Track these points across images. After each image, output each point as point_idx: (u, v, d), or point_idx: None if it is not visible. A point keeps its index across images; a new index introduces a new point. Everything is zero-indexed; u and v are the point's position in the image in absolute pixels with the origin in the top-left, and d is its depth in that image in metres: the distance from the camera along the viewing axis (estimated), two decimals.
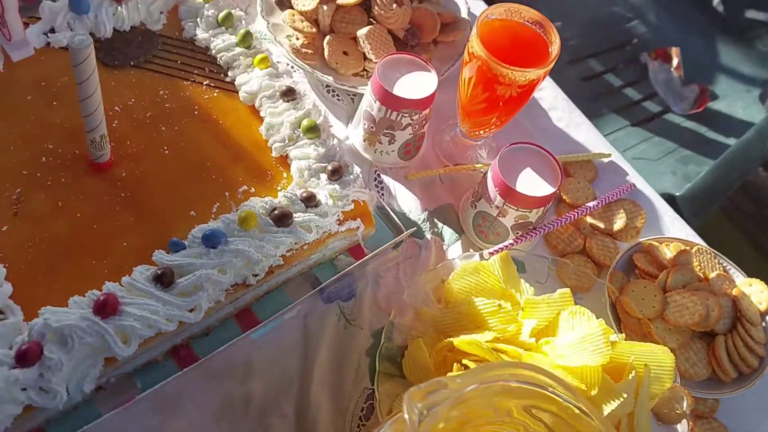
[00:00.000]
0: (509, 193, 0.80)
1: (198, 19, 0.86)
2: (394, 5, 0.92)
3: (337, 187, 0.77)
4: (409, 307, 0.76)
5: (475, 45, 0.79)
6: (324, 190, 0.76)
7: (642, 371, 0.68)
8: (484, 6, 1.08)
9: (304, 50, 0.92)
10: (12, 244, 0.68)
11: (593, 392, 0.64)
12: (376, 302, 0.81)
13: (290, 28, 0.93)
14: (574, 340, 0.67)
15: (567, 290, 0.74)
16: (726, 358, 0.81)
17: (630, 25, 1.65)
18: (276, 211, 0.72)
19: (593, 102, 1.47)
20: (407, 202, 0.88)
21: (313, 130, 0.79)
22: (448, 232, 0.87)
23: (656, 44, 1.62)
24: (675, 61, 1.59)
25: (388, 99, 0.82)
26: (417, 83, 0.84)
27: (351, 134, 0.91)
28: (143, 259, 0.68)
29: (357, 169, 0.79)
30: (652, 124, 1.50)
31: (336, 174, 0.77)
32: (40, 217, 0.71)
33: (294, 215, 0.73)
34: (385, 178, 0.90)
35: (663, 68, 1.58)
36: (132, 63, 0.83)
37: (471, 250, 0.86)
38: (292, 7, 0.94)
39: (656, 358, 0.70)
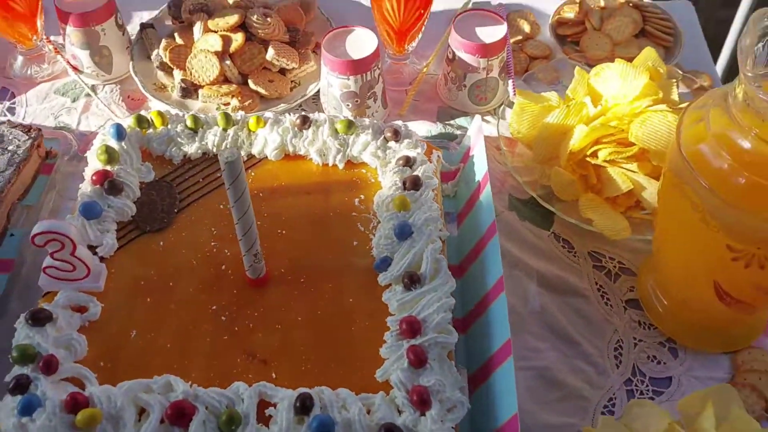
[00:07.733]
0: (482, 49, 0.94)
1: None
2: (267, 18, 0.97)
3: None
4: None
5: None
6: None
7: None
8: None
9: (246, 105, 0.94)
10: None
11: None
12: None
13: (216, 102, 0.94)
14: None
15: None
16: None
17: None
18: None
19: None
20: (421, 131, 0.98)
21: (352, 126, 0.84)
22: (464, 121, 1.00)
23: None
24: None
25: (356, 66, 0.89)
26: (355, 41, 0.93)
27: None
28: None
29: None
30: None
31: (396, 136, 0.84)
32: None
33: None
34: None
35: None
36: (176, 210, 0.79)
37: (490, 119, 1.00)
38: (200, 88, 0.94)
39: None
